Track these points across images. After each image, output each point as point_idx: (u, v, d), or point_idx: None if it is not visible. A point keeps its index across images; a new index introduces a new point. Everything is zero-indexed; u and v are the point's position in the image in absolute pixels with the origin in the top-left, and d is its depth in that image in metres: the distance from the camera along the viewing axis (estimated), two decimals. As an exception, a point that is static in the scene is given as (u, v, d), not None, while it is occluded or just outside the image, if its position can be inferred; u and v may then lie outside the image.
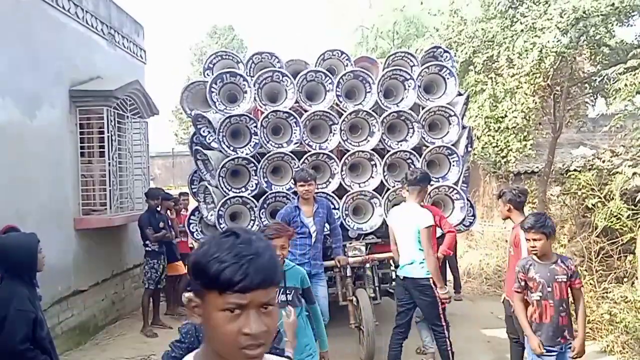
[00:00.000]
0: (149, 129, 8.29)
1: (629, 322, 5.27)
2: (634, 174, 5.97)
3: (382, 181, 6.01)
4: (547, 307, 3.50)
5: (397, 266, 5.14)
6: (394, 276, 6.39)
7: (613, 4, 6.75)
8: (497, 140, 8.72)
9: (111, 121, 6.90)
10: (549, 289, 3.48)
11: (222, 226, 5.74)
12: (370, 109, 6.05)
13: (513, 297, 3.82)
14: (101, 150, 6.97)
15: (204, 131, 6.07)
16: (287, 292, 3.47)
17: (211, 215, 5.90)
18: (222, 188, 5.77)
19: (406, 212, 4.81)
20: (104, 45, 7.64)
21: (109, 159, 6.86)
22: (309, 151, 5.94)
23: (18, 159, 5.46)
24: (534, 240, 3.47)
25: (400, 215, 4.88)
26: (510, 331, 4.74)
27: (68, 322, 6.18)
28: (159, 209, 7.12)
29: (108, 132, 6.82)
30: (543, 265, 3.51)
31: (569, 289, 3.52)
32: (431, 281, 4.61)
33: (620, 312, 5.41)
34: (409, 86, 6.19)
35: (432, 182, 5.96)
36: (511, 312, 4.52)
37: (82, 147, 6.78)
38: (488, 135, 8.84)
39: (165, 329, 6.98)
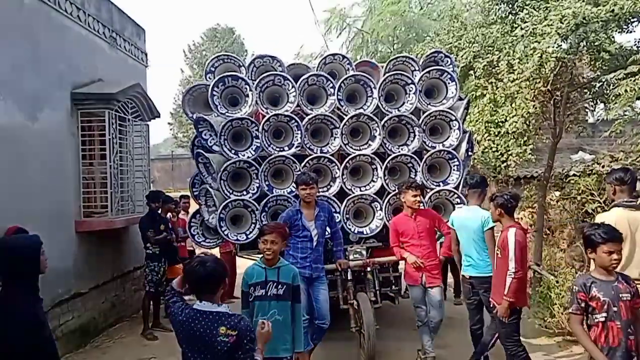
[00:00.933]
0: (149, 132, 8.31)
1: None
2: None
3: (382, 185, 6.03)
4: (614, 329, 3.18)
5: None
6: (394, 280, 6.42)
7: (613, 10, 6.77)
8: (497, 144, 8.73)
9: (112, 124, 6.92)
10: (615, 309, 3.16)
11: (223, 229, 5.76)
12: (371, 113, 6.08)
13: (571, 322, 3.40)
14: (102, 152, 6.99)
15: (205, 134, 6.08)
16: (279, 286, 3.88)
17: (212, 218, 5.91)
18: (223, 191, 5.79)
19: (470, 213, 5.20)
20: (105, 48, 7.66)
21: (110, 162, 6.87)
22: (310, 155, 5.96)
23: (19, 161, 5.48)
24: (615, 252, 3.18)
25: (465, 217, 5.21)
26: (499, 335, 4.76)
27: (68, 325, 6.18)
28: (159, 211, 7.13)
29: (109, 135, 6.84)
30: (605, 282, 3.21)
31: (633, 309, 3.20)
32: None
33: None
34: (410, 90, 6.21)
35: (433, 187, 6.01)
36: (494, 313, 4.57)
37: (83, 150, 6.80)
38: (488, 140, 8.86)
39: (165, 332, 6.97)
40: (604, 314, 3.18)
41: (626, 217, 3.95)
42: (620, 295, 3.17)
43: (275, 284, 3.89)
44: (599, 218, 4.06)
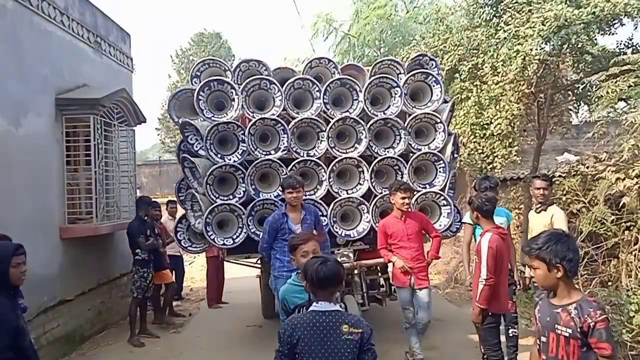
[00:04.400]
0: (135, 137, 8.26)
1: (613, 325, 5.33)
2: (618, 179, 6.06)
3: (369, 188, 6.04)
4: None
5: None
6: (382, 282, 6.43)
7: (594, 12, 6.87)
8: (483, 146, 8.80)
9: (98, 129, 6.87)
10: (544, 339, 2.61)
11: (209, 234, 5.73)
12: (357, 116, 6.10)
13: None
14: (87, 158, 6.94)
15: (191, 139, 6.07)
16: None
17: (198, 223, 5.88)
18: (209, 196, 5.76)
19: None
20: (90, 53, 7.61)
21: (95, 167, 6.82)
22: (297, 158, 5.96)
23: (3, 167, 5.42)
24: (533, 268, 2.63)
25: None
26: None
27: (54, 332, 6.11)
28: (145, 217, 7.09)
29: (94, 141, 6.79)
30: (548, 305, 2.61)
31: (580, 351, 2.47)
32: None
33: (605, 316, 5.46)
34: (395, 94, 6.24)
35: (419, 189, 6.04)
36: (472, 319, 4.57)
37: (68, 155, 6.74)
38: (474, 142, 8.92)
39: (152, 338, 6.93)
40: (539, 341, 2.67)
41: None
42: (556, 326, 2.52)
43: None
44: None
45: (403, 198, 5.28)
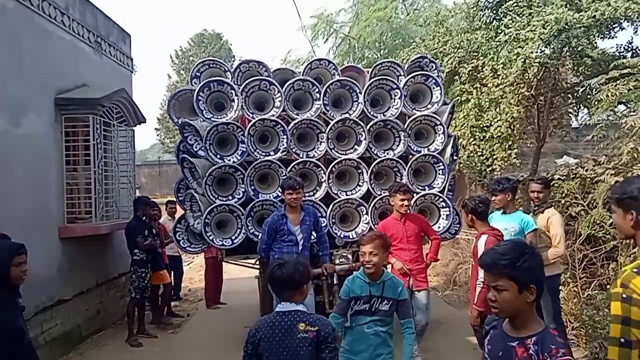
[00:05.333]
0: (135, 137, 8.26)
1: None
2: (616, 182, 6.06)
3: (368, 189, 6.04)
4: None
5: None
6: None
7: (594, 16, 6.88)
8: (483, 149, 8.81)
9: (97, 129, 6.87)
10: None
11: (208, 234, 5.73)
12: (357, 117, 6.10)
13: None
14: (87, 158, 6.93)
15: (190, 139, 6.07)
16: (385, 302, 3.55)
17: (198, 223, 5.89)
18: (208, 196, 5.76)
19: (509, 218, 5.15)
20: (90, 53, 7.61)
21: (94, 167, 6.81)
22: (296, 159, 5.96)
23: (2, 166, 5.41)
24: (498, 289, 1.99)
25: (504, 222, 5.10)
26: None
27: (52, 332, 6.10)
28: (144, 217, 7.09)
29: (94, 140, 6.78)
30: (502, 336, 2.06)
31: None
32: None
33: (603, 319, 5.47)
34: (395, 95, 6.25)
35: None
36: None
37: (67, 155, 6.73)
38: (473, 144, 8.93)
39: (150, 338, 6.93)
40: None
41: None
42: None
43: (380, 299, 3.54)
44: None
45: (403, 200, 5.28)
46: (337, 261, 5.71)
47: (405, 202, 5.30)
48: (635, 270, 2.05)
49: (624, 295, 2.03)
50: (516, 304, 1.97)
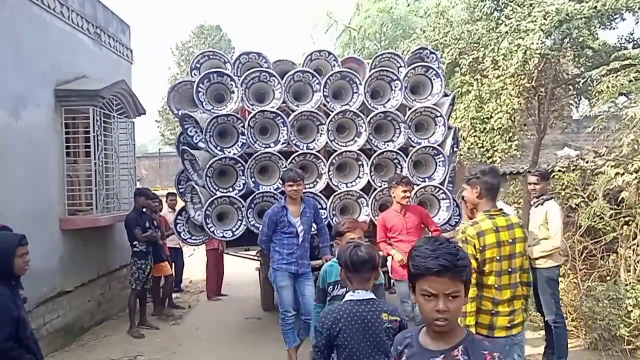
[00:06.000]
0: (135, 129, 8.25)
1: (611, 319, 5.35)
2: (617, 174, 6.06)
3: (369, 181, 6.05)
4: None
5: None
6: (381, 275, 6.42)
7: (595, 7, 6.85)
8: (483, 141, 8.81)
9: (97, 121, 6.86)
10: None
11: (209, 226, 5.74)
12: (357, 109, 6.09)
13: None
14: (87, 150, 6.93)
15: (191, 131, 6.06)
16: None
17: (198, 215, 5.89)
18: (209, 188, 5.77)
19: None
20: (89, 45, 7.59)
21: (94, 159, 6.81)
22: (297, 151, 5.96)
23: (2, 159, 5.41)
24: (448, 296, 1.70)
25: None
26: None
27: (54, 323, 6.13)
28: (144, 209, 7.10)
29: (94, 132, 6.78)
30: (421, 354, 1.77)
31: None
32: None
33: (602, 310, 5.49)
34: (395, 87, 6.23)
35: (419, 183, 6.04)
36: None
37: (67, 147, 6.73)
38: (474, 136, 8.93)
39: (151, 329, 6.96)
40: None
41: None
42: None
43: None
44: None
45: (404, 191, 5.28)
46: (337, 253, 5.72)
47: (407, 194, 5.31)
48: (470, 223, 3.33)
49: (462, 239, 3.23)
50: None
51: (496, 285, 3.20)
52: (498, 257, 3.19)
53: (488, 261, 3.19)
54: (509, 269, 3.24)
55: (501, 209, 3.43)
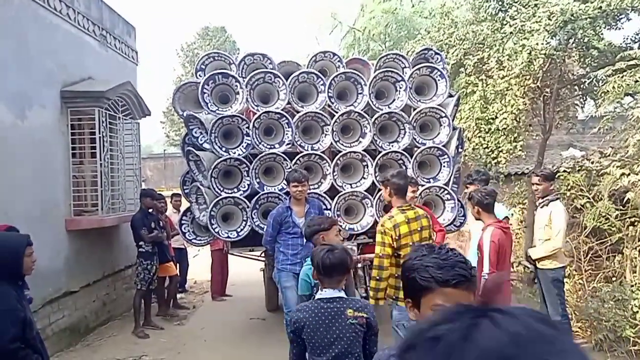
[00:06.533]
0: (140, 130, 8.28)
1: (616, 320, 5.33)
2: (622, 174, 6.04)
3: (373, 182, 6.04)
4: None
5: None
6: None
7: (601, 7, 6.82)
8: (488, 141, 8.77)
9: (103, 122, 6.89)
10: None
11: (214, 227, 5.76)
12: (361, 110, 6.09)
13: None
14: (92, 151, 6.96)
15: (196, 132, 6.08)
16: None
17: (203, 216, 5.91)
18: (214, 189, 5.78)
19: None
20: (95, 46, 7.62)
21: (100, 160, 6.85)
22: (301, 152, 5.96)
23: (9, 160, 5.45)
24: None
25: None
26: None
27: (59, 323, 6.16)
28: (150, 209, 7.12)
29: (99, 133, 6.81)
30: None
31: None
32: None
33: (608, 311, 5.47)
34: (400, 87, 6.23)
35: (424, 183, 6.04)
36: None
37: (73, 148, 6.77)
38: (479, 137, 8.89)
39: (156, 330, 6.98)
40: None
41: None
42: None
43: None
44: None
45: (413, 191, 5.29)
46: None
47: (412, 195, 5.31)
48: (387, 217, 4.05)
49: (382, 230, 3.95)
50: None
51: None
52: (411, 243, 3.90)
53: (403, 247, 3.94)
54: None
55: (410, 204, 4.23)
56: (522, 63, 7.12)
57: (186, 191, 6.45)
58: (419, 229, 4.06)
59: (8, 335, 2.81)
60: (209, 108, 5.95)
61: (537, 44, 6.95)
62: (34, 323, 3.11)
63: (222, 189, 5.83)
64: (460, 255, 1.60)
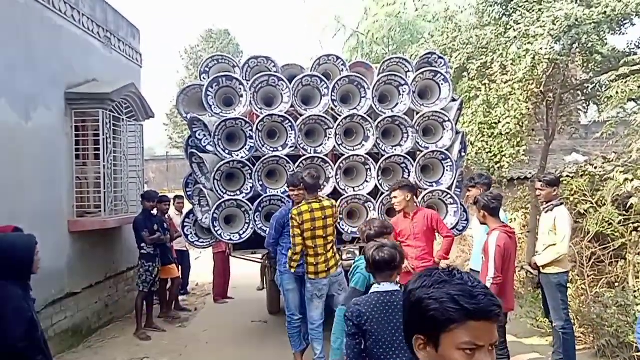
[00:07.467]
0: (144, 132, 8.30)
1: (619, 326, 5.32)
2: (626, 180, 6.03)
3: (376, 185, 6.05)
4: None
5: None
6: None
7: (605, 12, 6.82)
8: (491, 146, 8.76)
9: (106, 124, 6.92)
10: None
11: (216, 229, 5.76)
12: (365, 113, 6.10)
13: None
14: (96, 152, 6.98)
15: (199, 134, 6.09)
16: None
17: (206, 218, 5.92)
18: (217, 191, 5.79)
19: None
20: (100, 48, 7.65)
21: (103, 162, 6.87)
22: (304, 155, 5.97)
23: (13, 160, 5.47)
24: (494, 346, 1.49)
25: None
26: None
27: (61, 325, 6.17)
28: (153, 211, 7.13)
29: (103, 135, 6.83)
30: None
31: None
32: None
33: (611, 317, 5.46)
34: (403, 91, 6.24)
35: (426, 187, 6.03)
36: None
37: (77, 149, 6.79)
38: (482, 141, 8.88)
39: (158, 331, 6.99)
40: None
41: None
42: None
43: None
44: None
45: (394, 197, 5.29)
46: (344, 257, 5.73)
47: (394, 200, 5.32)
48: (295, 207, 4.97)
49: (290, 217, 4.89)
50: None
51: (314, 246, 4.94)
52: (312, 228, 4.89)
53: (306, 231, 4.88)
54: (323, 235, 4.96)
55: (317, 198, 4.99)
56: (525, 68, 7.12)
57: (189, 193, 6.45)
58: (322, 217, 4.92)
59: (17, 334, 2.81)
60: (212, 110, 5.96)
61: (541, 48, 6.95)
62: (39, 323, 3.12)
63: (224, 191, 5.84)
64: (483, 284, 1.31)
